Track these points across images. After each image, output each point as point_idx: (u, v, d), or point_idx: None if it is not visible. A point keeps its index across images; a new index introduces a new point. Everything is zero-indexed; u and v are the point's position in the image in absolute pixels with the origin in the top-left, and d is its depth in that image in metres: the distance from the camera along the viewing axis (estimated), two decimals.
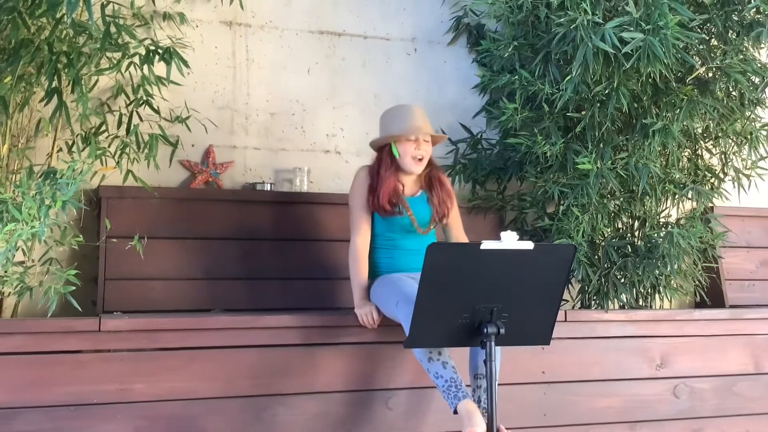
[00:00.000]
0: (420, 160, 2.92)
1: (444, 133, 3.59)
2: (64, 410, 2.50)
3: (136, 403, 2.56)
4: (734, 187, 3.60)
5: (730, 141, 3.58)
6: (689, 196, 3.44)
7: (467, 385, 2.61)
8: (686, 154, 3.59)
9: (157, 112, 3.19)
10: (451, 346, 2.60)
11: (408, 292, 2.62)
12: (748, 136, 3.51)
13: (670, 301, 3.67)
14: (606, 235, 3.44)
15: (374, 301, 2.89)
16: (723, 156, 3.64)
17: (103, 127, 3.12)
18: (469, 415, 2.44)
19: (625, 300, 3.43)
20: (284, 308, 3.19)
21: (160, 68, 3.12)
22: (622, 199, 3.43)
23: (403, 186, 2.96)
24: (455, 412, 2.51)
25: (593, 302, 3.43)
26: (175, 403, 2.61)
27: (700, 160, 3.63)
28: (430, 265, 2.24)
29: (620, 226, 3.54)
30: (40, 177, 2.68)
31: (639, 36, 2.85)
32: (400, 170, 2.95)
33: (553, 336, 2.46)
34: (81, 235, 2.86)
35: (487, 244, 2.24)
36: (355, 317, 2.83)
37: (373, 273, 2.96)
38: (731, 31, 3.32)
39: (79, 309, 2.61)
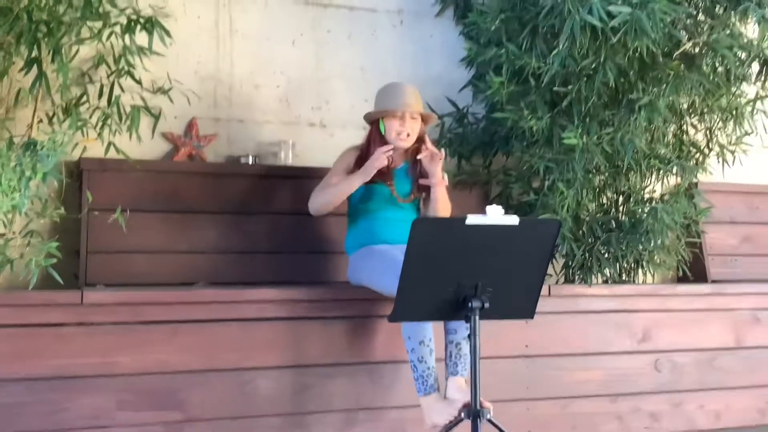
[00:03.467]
0: (407, 136, 2.93)
1: (430, 107, 3.57)
2: (47, 383, 2.49)
3: (119, 376, 2.56)
4: (719, 162, 3.62)
5: (716, 116, 3.58)
6: (674, 171, 3.45)
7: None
8: (672, 129, 3.59)
9: (139, 82, 3.15)
10: (436, 320, 2.62)
11: (399, 262, 2.61)
12: (734, 112, 3.52)
13: (653, 276, 3.69)
14: (590, 210, 3.45)
15: (359, 273, 2.90)
16: (708, 131, 3.64)
17: (84, 98, 3.07)
18: (434, 407, 2.58)
19: (608, 275, 3.45)
20: (268, 282, 3.18)
21: (141, 38, 3.07)
22: (607, 174, 3.44)
23: (392, 159, 2.95)
24: (422, 395, 2.61)
25: (577, 277, 3.44)
26: (158, 377, 2.60)
27: (685, 136, 3.63)
28: (415, 239, 2.23)
29: (605, 201, 3.55)
30: (20, 148, 2.64)
31: (626, 10, 2.83)
32: (388, 144, 2.95)
33: (536, 310, 2.48)
34: (62, 208, 2.83)
35: (472, 219, 2.23)
36: (338, 291, 2.86)
37: (353, 244, 2.97)
38: (718, 6, 3.32)
39: (61, 282, 2.59)
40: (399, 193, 2.96)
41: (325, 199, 2.94)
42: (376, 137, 2.97)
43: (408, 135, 2.94)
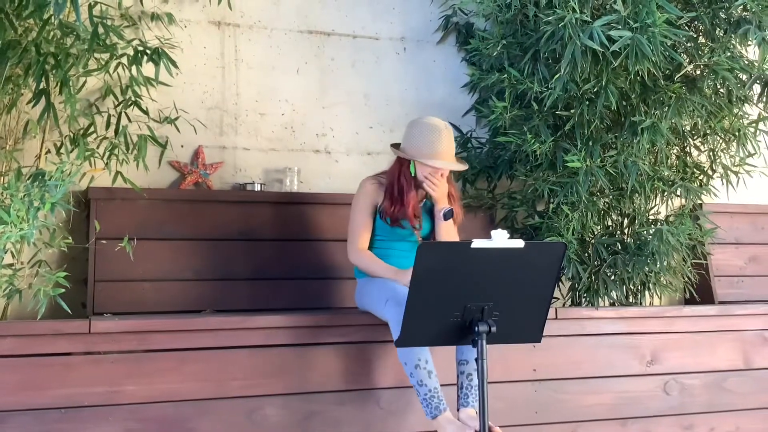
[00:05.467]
0: (437, 182, 2.88)
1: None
2: (55, 413, 2.49)
3: (126, 405, 2.56)
4: (723, 183, 3.62)
5: (718, 138, 3.59)
6: (678, 193, 3.46)
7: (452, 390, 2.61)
8: (675, 151, 3.61)
9: (146, 112, 3.18)
10: (442, 345, 2.61)
11: (398, 292, 2.63)
12: (736, 133, 3.53)
13: (660, 298, 3.68)
14: (596, 233, 3.46)
15: (362, 299, 2.90)
16: (711, 153, 3.66)
17: (92, 129, 3.10)
18: (447, 427, 2.55)
19: (615, 297, 3.45)
20: (275, 308, 3.19)
21: (148, 69, 3.11)
22: (611, 196, 3.45)
23: (417, 197, 2.94)
24: (431, 419, 2.60)
25: (583, 300, 3.44)
26: (166, 405, 2.60)
27: (688, 158, 3.64)
28: (421, 264, 2.24)
29: (610, 223, 3.56)
30: (28, 179, 2.66)
31: (627, 34, 2.86)
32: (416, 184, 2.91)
33: (543, 334, 2.47)
34: (70, 237, 2.85)
35: (477, 243, 2.24)
36: (346, 317, 2.86)
37: (362, 271, 2.96)
38: (719, 29, 3.34)
39: (69, 311, 2.60)
40: (422, 235, 2.94)
41: (364, 268, 2.89)
42: (407, 177, 2.87)
43: (437, 183, 2.87)
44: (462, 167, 2.94)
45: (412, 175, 2.88)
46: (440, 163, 2.84)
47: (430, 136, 2.85)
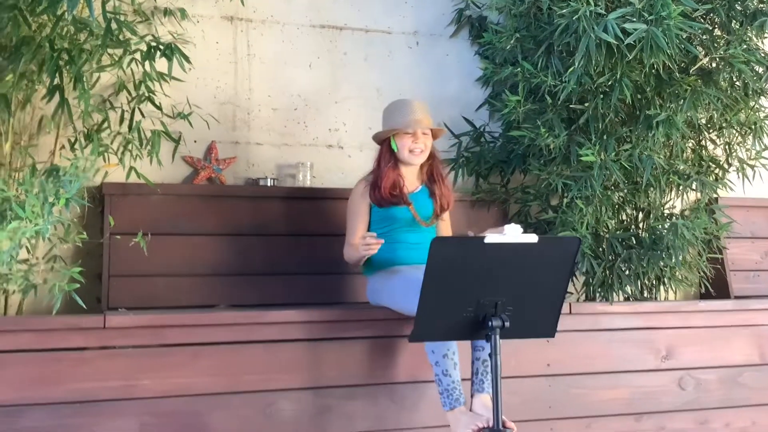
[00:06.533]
0: (420, 152, 2.95)
1: (446, 126, 3.58)
2: (70, 407, 2.50)
3: (141, 399, 2.57)
4: (738, 177, 3.59)
5: (734, 131, 3.56)
6: (693, 187, 3.43)
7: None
8: (690, 144, 3.57)
9: (159, 108, 3.19)
10: (456, 340, 2.61)
11: (419, 282, 2.61)
12: (752, 126, 3.50)
13: (675, 293, 3.66)
14: (610, 227, 3.44)
15: (379, 293, 2.89)
16: (727, 146, 3.62)
17: (106, 124, 3.12)
18: (461, 420, 2.55)
19: (629, 292, 3.42)
20: (289, 303, 3.19)
21: (161, 64, 3.12)
22: (626, 190, 3.42)
23: (404, 180, 2.97)
24: (448, 410, 2.60)
25: (598, 294, 3.42)
26: (180, 399, 2.61)
27: (704, 151, 3.61)
28: (434, 259, 2.23)
29: (624, 218, 3.54)
30: (43, 175, 2.68)
31: (642, 27, 2.83)
32: (401, 163, 2.97)
33: (557, 329, 2.46)
34: (84, 233, 2.87)
35: (491, 238, 2.23)
36: (359, 312, 2.86)
37: (372, 266, 2.97)
38: (734, 21, 3.31)
39: (84, 306, 2.61)
40: (422, 216, 2.96)
41: (348, 257, 2.98)
42: (387, 156, 2.97)
43: (421, 151, 2.96)
44: (437, 128, 3.04)
45: (394, 150, 2.94)
46: (415, 125, 2.91)
47: (401, 109, 2.97)
